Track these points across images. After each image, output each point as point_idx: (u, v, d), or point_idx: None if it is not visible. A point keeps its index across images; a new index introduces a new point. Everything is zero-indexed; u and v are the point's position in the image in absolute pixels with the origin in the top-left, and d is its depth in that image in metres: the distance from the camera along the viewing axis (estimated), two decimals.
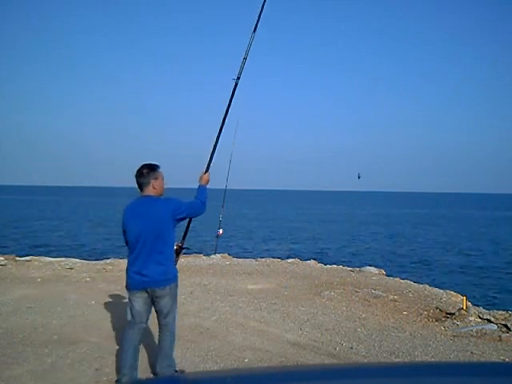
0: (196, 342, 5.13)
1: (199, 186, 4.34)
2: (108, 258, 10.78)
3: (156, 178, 3.95)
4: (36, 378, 4.17)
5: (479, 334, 5.65)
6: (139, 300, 3.92)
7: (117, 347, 4.93)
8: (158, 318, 4.07)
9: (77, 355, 4.69)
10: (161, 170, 4.02)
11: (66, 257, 10.76)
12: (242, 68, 4.98)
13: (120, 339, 4.65)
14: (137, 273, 3.87)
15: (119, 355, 4.23)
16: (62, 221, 42.24)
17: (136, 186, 3.98)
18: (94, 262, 10.09)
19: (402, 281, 8.80)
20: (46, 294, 7.05)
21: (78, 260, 10.16)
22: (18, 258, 9.88)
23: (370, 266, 10.56)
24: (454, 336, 5.59)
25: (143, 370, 4.18)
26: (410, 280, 9.04)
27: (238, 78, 4.88)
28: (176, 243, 4.17)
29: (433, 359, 4.77)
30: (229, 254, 11.88)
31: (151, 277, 3.85)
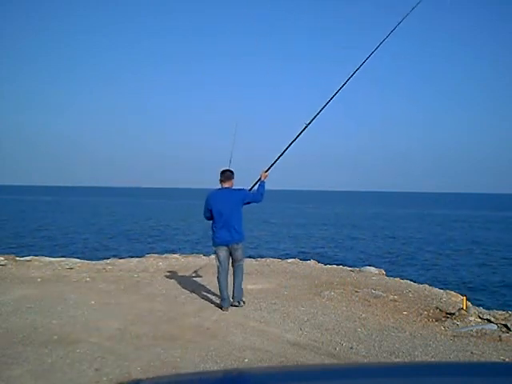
0: (196, 342, 5.13)
1: (260, 180, 6.46)
2: (108, 258, 10.78)
3: (232, 178, 6.38)
4: (36, 378, 4.16)
5: (479, 334, 5.65)
6: (223, 251, 6.31)
7: (117, 347, 4.93)
8: (233, 263, 6.44)
9: (77, 355, 4.68)
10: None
11: (65, 257, 10.76)
12: (313, 118, 6.57)
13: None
14: (222, 234, 6.22)
15: (219, 288, 6.41)
16: (62, 221, 42.24)
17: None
18: (93, 261, 10.08)
19: (402, 281, 8.79)
20: (46, 293, 7.05)
21: (78, 260, 10.15)
22: (18, 258, 9.88)
23: (370, 265, 10.56)
24: (454, 336, 5.59)
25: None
26: (410, 280, 9.04)
27: (309, 124, 6.53)
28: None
29: (433, 359, 4.76)
30: None
31: (231, 237, 6.23)
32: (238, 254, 6.37)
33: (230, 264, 6.52)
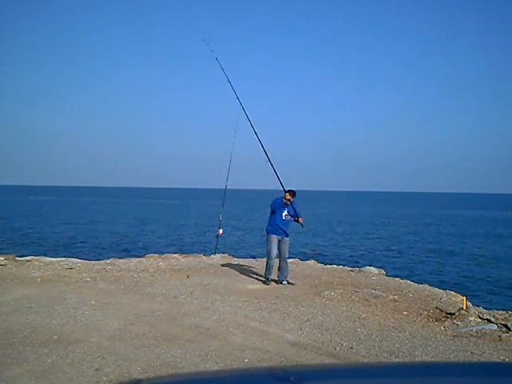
0: (196, 342, 5.13)
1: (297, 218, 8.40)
2: (108, 258, 10.78)
3: (290, 196, 8.28)
4: (36, 378, 4.16)
5: (479, 334, 5.65)
6: (274, 240, 8.30)
7: (117, 347, 4.93)
8: (279, 253, 8.28)
9: (77, 355, 4.68)
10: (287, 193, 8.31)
11: (66, 257, 10.75)
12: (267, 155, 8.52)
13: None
14: (275, 229, 8.31)
15: (266, 267, 8.32)
16: (62, 221, 42.23)
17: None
18: (93, 261, 10.08)
19: (402, 281, 8.81)
20: (46, 293, 7.05)
21: (78, 260, 10.14)
22: (17, 258, 9.87)
23: (370, 266, 10.56)
24: (454, 336, 5.59)
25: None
26: (410, 280, 9.05)
27: (269, 159, 8.41)
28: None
29: (433, 359, 4.76)
30: (229, 254, 11.89)
31: (282, 232, 8.27)
32: (284, 246, 8.34)
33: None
